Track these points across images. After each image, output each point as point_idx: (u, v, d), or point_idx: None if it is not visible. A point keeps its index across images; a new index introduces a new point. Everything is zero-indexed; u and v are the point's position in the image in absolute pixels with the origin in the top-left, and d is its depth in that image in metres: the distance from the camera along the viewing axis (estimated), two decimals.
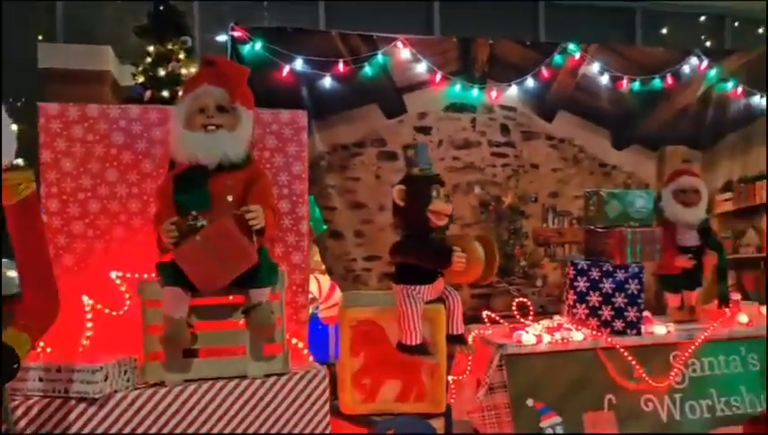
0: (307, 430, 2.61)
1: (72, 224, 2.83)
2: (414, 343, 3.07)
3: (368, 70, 4.66)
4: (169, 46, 7.06)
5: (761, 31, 10.20)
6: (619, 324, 3.63)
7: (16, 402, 2.29)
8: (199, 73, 2.78)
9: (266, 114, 3.00)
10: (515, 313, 3.81)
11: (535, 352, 3.51)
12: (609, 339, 3.58)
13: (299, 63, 4.50)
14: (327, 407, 2.67)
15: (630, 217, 3.70)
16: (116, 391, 2.40)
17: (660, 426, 3.56)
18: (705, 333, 3.72)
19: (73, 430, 2.34)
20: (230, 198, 2.53)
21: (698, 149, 5.44)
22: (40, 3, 8.06)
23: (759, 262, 5.62)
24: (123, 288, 2.80)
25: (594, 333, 3.62)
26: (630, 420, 3.52)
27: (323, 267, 4.38)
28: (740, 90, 5.41)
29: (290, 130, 3.02)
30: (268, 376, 2.59)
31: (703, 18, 10.07)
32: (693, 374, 3.70)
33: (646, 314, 3.75)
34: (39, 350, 2.61)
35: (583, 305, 3.71)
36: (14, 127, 2.21)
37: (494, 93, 4.93)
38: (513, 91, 4.98)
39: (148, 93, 6.77)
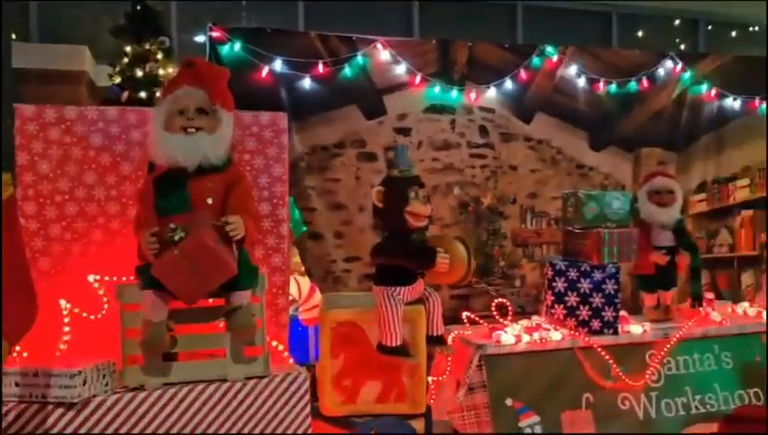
0: (288, 433, 2.61)
1: (49, 227, 2.80)
2: (394, 344, 3.08)
3: (347, 71, 4.66)
4: (147, 46, 6.99)
5: (734, 34, 10.38)
6: (596, 324, 3.68)
7: None
8: (179, 75, 2.76)
9: (246, 116, 3.00)
10: (494, 313, 3.84)
11: (514, 352, 3.55)
12: (587, 339, 3.62)
13: (278, 64, 4.48)
14: (308, 409, 2.67)
15: (607, 218, 3.75)
16: (94, 396, 2.38)
17: (637, 424, 3.61)
18: (680, 332, 3.78)
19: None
20: (210, 201, 2.52)
21: (673, 151, 5.52)
22: (14, 2, 7.93)
23: (732, 261, 5.73)
24: (101, 292, 2.77)
25: (572, 332, 3.66)
26: (607, 418, 3.57)
27: (303, 269, 4.38)
28: (713, 92, 5.51)
29: (270, 133, 3.02)
30: (249, 379, 2.58)
31: (677, 21, 10.22)
32: (668, 373, 3.76)
33: (622, 313, 3.80)
34: (15, 354, 2.58)
35: (561, 306, 3.75)
36: None
37: (473, 95, 4.96)
38: (491, 92, 5.01)
39: (125, 94, 6.70)
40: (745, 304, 4.33)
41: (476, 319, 3.78)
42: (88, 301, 2.76)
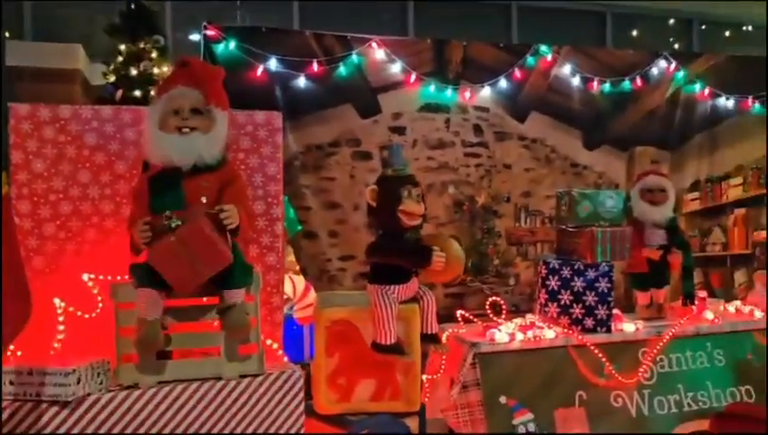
0: (282, 431, 2.62)
1: (43, 226, 2.80)
2: (388, 343, 3.10)
3: (342, 70, 4.67)
4: (141, 45, 6.98)
5: (727, 33, 10.42)
6: (589, 322, 3.69)
7: None
8: (173, 74, 2.76)
9: (241, 115, 3.00)
10: (488, 311, 3.86)
11: (508, 350, 3.55)
12: (580, 337, 3.64)
13: (273, 63, 4.49)
14: (302, 407, 2.68)
15: (601, 216, 3.77)
16: (89, 394, 2.38)
17: (629, 421, 3.62)
18: (673, 330, 3.80)
19: (46, 433, 2.31)
20: (204, 200, 2.53)
21: (667, 150, 5.55)
22: (9, 1, 7.91)
23: (725, 260, 5.76)
24: (95, 291, 2.77)
25: (565, 331, 3.68)
26: (601, 415, 3.58)
27: (298, 268, 4.38)
28: (707, 92, 5.53)
29: (264, 132, 3.02)
30: (243, 377, 2.59)
31: (672, 21, 10.26)
32: (661, 370, 3.77)
33: (615, 311, 3.82)
34: (10, 353, 2.58)
35: (555, 304, 3.77)
36: None
37: (467, 94, 4.98)
38: (486, 92, 5.03)
39: (119, 93, 6.69)
40: (738, 303, 4.35)
41: (470, 317, 3.80)
42: (82, 300, 2.76)
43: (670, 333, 3.79)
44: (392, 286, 3.12)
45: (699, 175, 5.66)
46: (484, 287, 5.06)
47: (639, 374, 3.69)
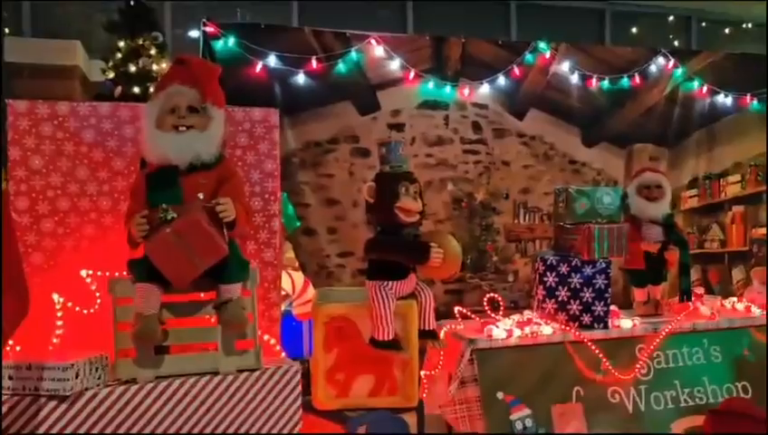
0: (279, 425, 2.64)
1: (41, 222, 2.81)
2: (386, 339, 3.11)
3: (341, 67, 4.68)
4: (140, 42, 6.99)
5: (727, 31, 10.43)
6: (586, 319, 3.69)
7: None
8: (170, 72, 2.77)
9: (238, 112, 3.01)
10: (486, 308, 3.87)
11: (506, 346, 3.56)
12: (577, 333, 3.64)
13: (272, 60, 4.50)
14: (299, 402, 2.69)
15: (598, 213, 3.77)
16: (87, 389, 2.40)
17: (626, 417, 3.63)
18: (670, 327, 3.81)
19: (44, 427, 2.33)
20: (201, 196, 2.54)
21: (665, 147, 5.56)
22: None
23: (723, 257, 5.77)
24: (93, 287, 2.78)
25: (563, 327, 3.69)
26: (597, 411, 3.58)
27: (297, 264, 4.40)
28: (705, 89, 5.54)
29: (262, 128, 3.03)
30: (240, 371, 2.60)
31: (671, 18, 10.26)
32: (658, 366, 3.78)
33: (612, 308, 3.83)
34: (9, 348, 2.60)
35: (552, 300, 3.77)
36: None
37: (466, 91, 4.99)
38: (485, 89, 5.04)
39: (118, 89, 6.70)
40: (734, 299, 4.36)
41: (468, 314, 3.81)
42: (80, 295, 2.77)
43: (667, 330, 3.80)
44: (390, 282, 3.13)
45: (697, 172, 5.68)
46: (483, 284, 5.08)
47: (636, 370, 3.70)
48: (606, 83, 5.29)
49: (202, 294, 2.63)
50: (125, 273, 2.58)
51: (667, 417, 3.70)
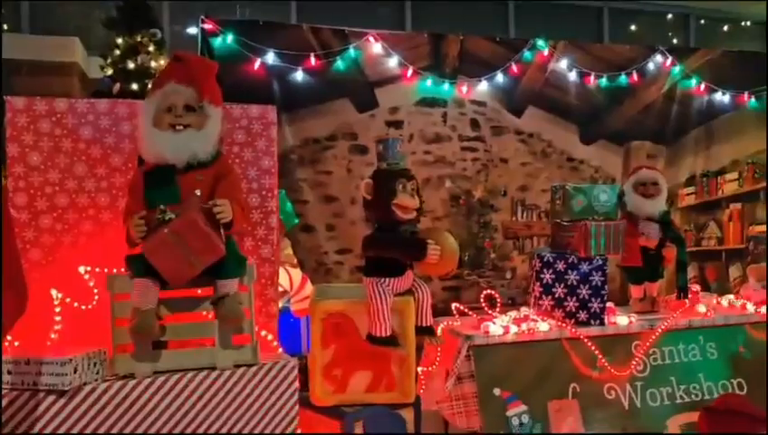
0: (276, 420, 2.65)
1: (39, 218, 2.82)
2: (383, 335, 3.12)
3: (339, 64, 4.69)
4: (138, 38, 6.99)
5: (725, 29, 10.44)
6: (583, 315, 3.71)
7: None
8: (167, 70, 2.77)
9: (235, 109, 3.02)
10: (483, 304, 3.88)
11: (502, 342, 3.58)
12: (574, 330, 3.66)
13: (270, 57, 4.51)
14: (296, 397, 2.70)
15: (595, 210, 3.78)
16: (85, 384, 2.41)
17: (622, 413, 3.64)
18: (666, 324, 3.83)
19: (42, 422, 2.34)
20: (199, 193, 2.55)
21: (663, 145, 5.58)
22: None
23: (720, 254, 5.79)
24: (92, 283, 2.80)
25: (559, 323, 3.70)
26: (593, 407, 3.60)
27: (295, 261, 4.41)
28: (703, 87, 5.56)
29: (259, 125, 3.04)
30: (237, 367, 2.62)
31: (670, 16, 10.27)
32: (654, 363, 3.79)
33: (609, 305, 3.85)
34: (6, 344, 2.61)
35: (549, 297, 3.79)
36: None
37: (464, 88, 5.00)
38: (483, 86, 5.05)
39: (116, 86, 6.71)
40: (730, 296, 4.38)
41: (465, 310, 3.82)
42: (79, 291, 2.78)
43: (663, 327, 3.82)
44: (387, 279, 3.14)
45: (695, 170, 5.70)
46: (481, 281, 5.09)
47: (632, 367, 3.72)
48: (604, 81, 5.31)
49: (199, 290, 2.64)
50: (123, 269, 2.59)
51: (663, 413, 3.72)
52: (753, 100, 5.70)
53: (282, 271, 3.63)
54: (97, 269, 2.80)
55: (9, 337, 2.59)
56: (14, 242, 2.09)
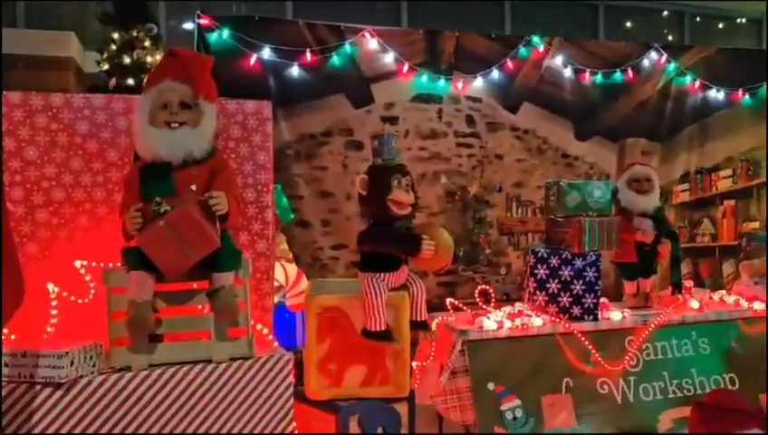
0: (271, 413, 2.67)
1: (36, 212, 2.83)
2: (378, 329, 3.13)
3: (335, 60, 4.70)
4: (134, 33, 6.97)
5: (720, 26, 10.46)
6: (576, 311, 3.73)
7: None
8: (162, 66, 2.76)
9: (231, 104, 3.03)
10: (478, 300, 3.90)
11: (496, 337, 3.60)
12: (567, 325, 3.68)
13: (266, 52, 4.52)
14: (291, 390, 2.72)
15: (589, 207, 3.81)
16: (82, 376, 2.42)
17: (615, 407, 3.67)
18: (659, 319, 3.86)
19: (39, 414, 2.36)
20: (194, 188, 2.57)
21: (657, 141, 5.61)
22: None
23: (714, 251, 5.83)
24: (88, 277, 2.81)
25: (553, 319, 3.73)
26: (587, 402, 3.63)
27: (290, 256, 4.42)
28: (697, 84, 5.58)
29: (254, 121, 3.05)
30: (233, 360, 2.63)
31: (665, 13, 10.29)
32: (646, 358, 3.82)
33: (602, 300, 3.87)
34: (3, 337, 2.62)
35: (543, 292, 3.81)
36: None
37: (460, 85, 5.01)
38: (478, 82, 5.07)
39: (112, 81, 6.69)
40: (723, 292, 4.42)
41: (460, 305, 3.85)
42: (75, 285, 2.79)
43: (656, 322, 3.85)
44: (382, 274, 3.16)
45: (689, 166, 5.73)
46: (476, 276, 5.12)
47: (625, 362, 3.75)
48: (599, 78, 5.33)
49: (195, 284, 2.65)
50: (119, 263, 2.60)
51: (656, 408, 3.75)
52: (747, 97, 5.73)
53: (277, 266, 3.64)
54: (93, 263, 2.81)
55: (5, 330, 2.60)
56: (11, 236, 2.10)
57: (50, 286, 2.77)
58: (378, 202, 3.11)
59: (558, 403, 3.59)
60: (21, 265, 2.11)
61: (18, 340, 2.62)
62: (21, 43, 7.45)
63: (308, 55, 4.60)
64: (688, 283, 4.37)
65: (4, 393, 2.33)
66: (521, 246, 5.26)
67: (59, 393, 2.38)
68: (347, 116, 4.81)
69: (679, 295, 4.10)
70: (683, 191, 5.75)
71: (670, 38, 10.28)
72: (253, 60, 4.48)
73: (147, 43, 7.03)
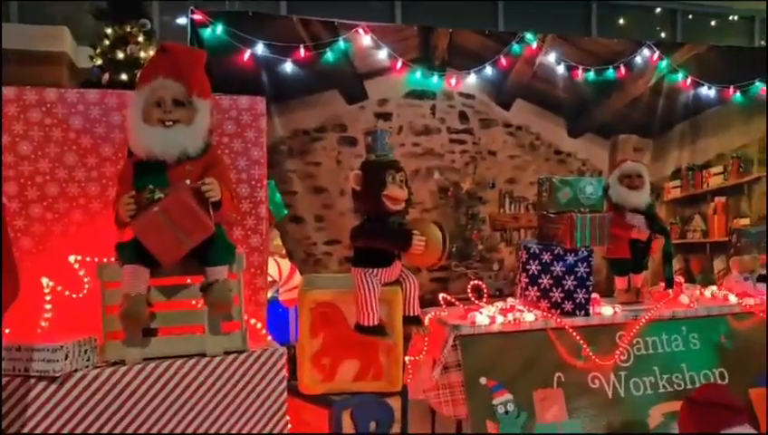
0: (265, 406, 2.69)
1: (30, 207, 2.83)
2: (371, 324, 3.15)
3: (329, 56, 4.71)
4: (128, 29, 6.96)
5: (713, 24, 10.52)
6: (568, 306, 3.77)
7: None
8: (155, 63, 2.74)
9: (225, 100, 3.04)
10: (470, 295, 3.93)
11: (489, 332, 3.63)
12: (559, 320, 3.72)
13: (260, 48, 4.52)
14: (284, 384, 2.74)
15: (581, 203, 3.84)
16: (76, 370, 2.43)
17: (606, 402, 3.71)
18: (649, 314, 3.90)
19: (33, 408, 2.37)
20: (188, 182, 2.57)
21: (649, 138, 5.64)
22: None
23: (705, 247, 5.87)
24: (82, 272, 2.81)
25: (545, 314, 3.76)
26: (578, 396, 3.66)
27: (284, 251, 4.43)
28: (689, 81, 5.62)
29: (248, 116, 3.06)
30: (227, 354, 2.65)
31: (658, 10, 10.34)
32: (637, 353, 3.86)
33: (594, 295, 3.91)
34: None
35: (535, 288, 3.84)
36: None
37: (453, 81, 5.03)
38: (471, 78, 5.09)
39: (106, 76, 6.68)
40: (713, 288, 4.46)
41: (453, 301, 3.87)
42: (69, 279, 2.80)
43: (647, 317, 3.88)
44: (375, 269, 3.17)
45: (681, 163, 5.77)
46: (469, 272, 5.14)
47: (616, 357, 3.78)
48: (591, 74, 5.36)
49: (188, 279, 2.66)
50: (113, 258, 2.61)
51: (646, 402, 3.79)
52: (738, 94, 5.77)
53: (271, 261, 3.65)
54: (87, 258, 2.82)
55: None
56: (6, 230, 2.11)
57: (44, 281, 2.78)
58: (372, 198, 3.12)
59: (549, 398, 3.63)
60: (16, 259, 2.11)
61: (13, 334, 2.63)
62: (13, 38, 7.42)
63: (302, 51, 4.60)
64: (679, 278, 4.41)
65: None
66: (513, 241, 5.29)
67: (53, 387, 2.38)
68: (340, 112, 4.82)
69: (669, 291, 4.14)
70: (674, 188, 5.79)
71: (663, 35, 10.33)
72: (246, 55, 4.48)
73: (140, 39, 7.02)
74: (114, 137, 2.91)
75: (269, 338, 2.97)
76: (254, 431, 2.67)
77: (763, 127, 5.84)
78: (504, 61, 5.11)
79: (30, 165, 2.83)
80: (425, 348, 3.66)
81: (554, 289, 3.80)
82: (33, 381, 2.36)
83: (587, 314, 3.78)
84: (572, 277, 3.77)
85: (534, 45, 5.20)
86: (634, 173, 4.13)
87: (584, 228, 3.75)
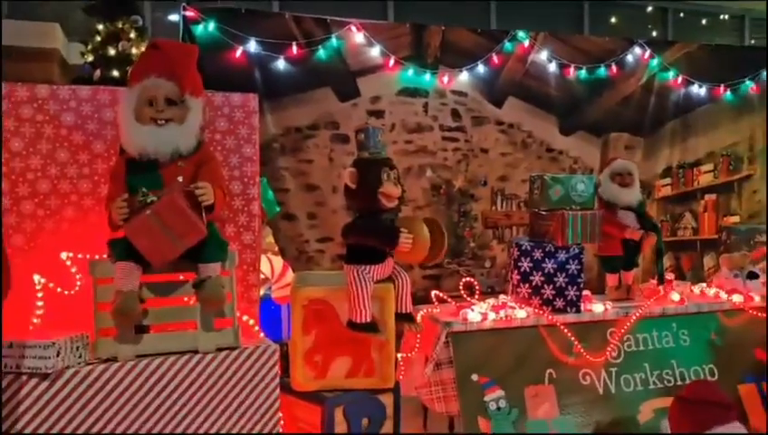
0: (257, 403, 2.69)
1: (21, 203, 2.82)
2: (363, 321, 3.16)
3: (321, 53, 4.70)
4: (119, 25, 6.93)
5: (704, 22, 10.57)
6: (559, 303, 3.79)
7: None
8: (146, 61, 2.74)
9: (217, 97, 3.04)
10: (462, 292, 3.94)
11: (480, 329, 3.65)
12: (551, 317, 3.74)
13: (252, 45, 4.51)
14: (277, 381, 2.75)
15: (572, 200, 3.86)
16: (68, 367, 2.43)
17: (597, 398, 3.74)
18: (640, 311, 3.92)
19: (26, 404, 2.37)
20: (181, 180, 2.57)
21: (640, 136, 5.67)
22: None
23: (695, 244, 5.91)
24: (74, 269, 2.81)
25: (536, 311, 3.78)
26: (569, 392, 3.69)
27: (276, 249, 4.43)
28: (680, 79, 5.65)
29: (241, 113, 3.06)
30: (219, 350, 2.65)
31: (649, 9, 10.38)
32: (628, 349, 3.89)
33: (585, 292, 3.93)
34: None
35: (526, 285, 3.86)
36: None
37: (445, 79, 5.04)
38: (464, 76, 5.09)
39: (97, 72, 6.66)
40: (703, 285, 4.49)
41: (445, 298, 3.88)
42: (61, 276, 2.80)
43: (637, 314, 3.91)
44: (368, 266, 3.18)
45: (671, 161, 5.80)
46: (461, 269, 5.16)
47: (607, 353, 3.81)
48: (583, 73, 5.38)
49: (181, 276, 2.66)
50: (105, 255, 2.61)
51: (637, 398, 3.82)
52: (728, 93, 5.81)
53: (263, 259, 3.66)
54: (79, 255, 2.82)
55: None
56: None
57: (36, 278, 2.77)
58: (368, 195, 3.12)
59: (541, 394, 3.65)
60: (7, 256, 2.11)
61: (4, 330, 2.62)
62: (4, 34, 7.37)
63: (294, 48, 4.60)
64: (670, 276, 4.44)
65: None
66: (505, 239, 5.30)
67: (45, 384, 2.38)
68: (333, 109, 4.82)
69: (660, 288, 4.17)
70: (665, 186, 5.82)
71: (654, 34, 10.37)
72: (239, 52, 4.47)
73: (132, 35, 7.00)
74: (106, 133, 2.91)
75: (261, 335, 2.98)
76: (247, 428, 2.68)
77: (752, 125, 5.89)
78: (496, 59, 5.12)
79: (21, 161, 2.83)
80: (417, 345, 3.67)
81: (546, 286, 3.82)
82: (24, 377, 2.36)
83: (578, 311, 3.81)
84: (564, 274, 3.79)
85: (527, 43, 5.21)
86: (625, 171, 4.16)
87: (575, 226, 3.77)
